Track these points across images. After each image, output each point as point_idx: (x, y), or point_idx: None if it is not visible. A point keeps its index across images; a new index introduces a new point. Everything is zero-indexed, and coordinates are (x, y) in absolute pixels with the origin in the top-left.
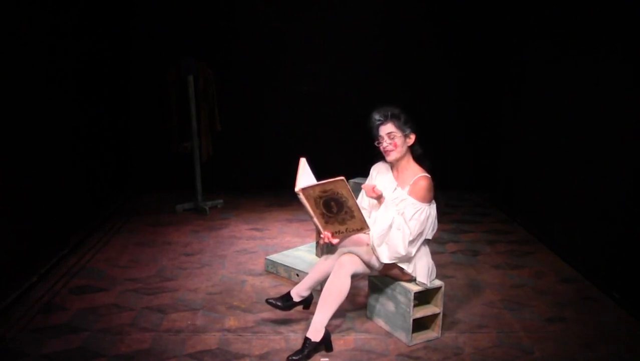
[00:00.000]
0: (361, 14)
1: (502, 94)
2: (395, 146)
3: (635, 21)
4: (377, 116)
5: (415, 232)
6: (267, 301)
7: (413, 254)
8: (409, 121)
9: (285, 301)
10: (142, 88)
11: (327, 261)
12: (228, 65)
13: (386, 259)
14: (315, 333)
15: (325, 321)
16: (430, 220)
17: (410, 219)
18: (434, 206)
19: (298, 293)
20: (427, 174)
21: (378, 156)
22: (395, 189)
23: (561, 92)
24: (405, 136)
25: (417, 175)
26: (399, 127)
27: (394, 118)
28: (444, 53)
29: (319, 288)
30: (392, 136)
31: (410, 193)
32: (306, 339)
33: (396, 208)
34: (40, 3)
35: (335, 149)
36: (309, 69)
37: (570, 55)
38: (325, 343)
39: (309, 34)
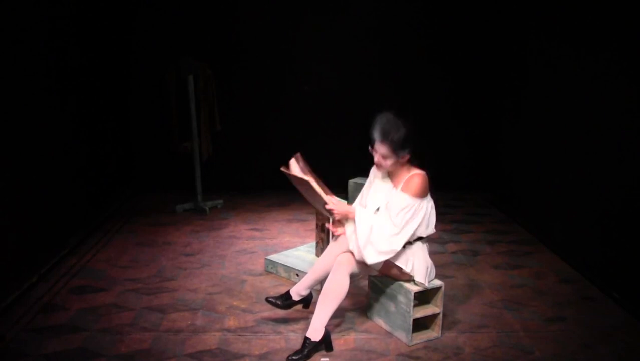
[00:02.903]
0: (363, 14)
1: (502, 94)
2: (386, 165)
3: (635, 22)
4: (376, 134)
5: (400, 224)
6: (266, 299)
7: (399, 248)
8: (408, 143)
9: (285, 300)
10: (142, 88)
11: (326, 260)
12: (228, 65)
13: (372, 259)
14: (315, 332)
15: (324, 321)
16: (422, 215)
17: (397, 214)
18: (429, 203)
19: (297, 292)
20: (421, 172)
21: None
22: (391, 190)
23: (561, 93)
24: (398, 158)
25: (411, 172)
26: (393, 152)
27: (391, 143)
28: (444, 53)
29: (318, 287)
30: (384, 157)
31: (403, 189)
32: (306, 339)
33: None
34: (41, 3)
35: (335, 148)
36: (310, 69)
37: (571, 56)
38: (325, 343)
39: (309, 34)
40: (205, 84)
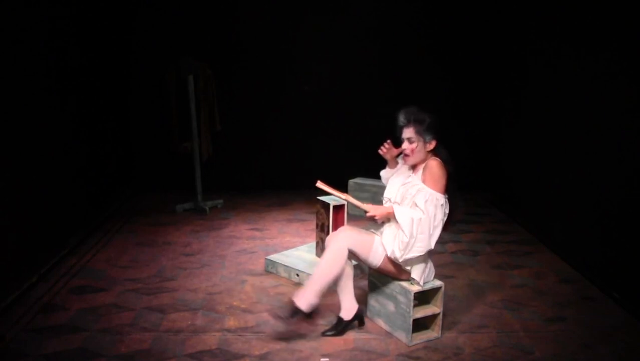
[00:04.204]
0: (363, 14)
1: (502, 94)
2: (412, 152)
3: (635, 22)
4: (401, 118)
5: (433, 218)
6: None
7: (432, 247)
8: (433, 127)
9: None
10: (142, 88)
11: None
12: (228, 65)
13: (412, 254)
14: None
15: (317, 293)
16: (444, 215)
17: (424, 205)
18: (447, 204)
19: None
20: (436, 158)
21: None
22: (410, 176)
23: (561, 93)
24: (426, 143)
25: (428, 159)
26: (418, 133)
27: (416, 123)
28: (444, 53)
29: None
30: (411, 141)
31: (425, 180)
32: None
33: (408, 191)
34: (41, 3)
35: (335, 148)
36: (310, 69)
37: (571, 56)
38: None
39: (309, 34)
40: (205, 84)
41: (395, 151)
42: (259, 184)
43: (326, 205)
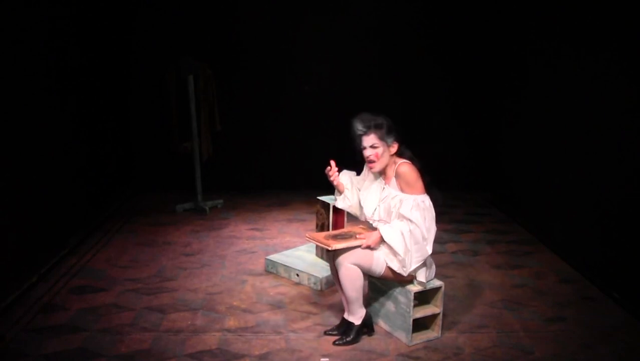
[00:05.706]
0: (363, 14)
1: (502, 94)
2: (377, 157)
3: (635, 22)
4: (359, 126)
5: (423, 223)
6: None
7: (430, 252)
8: (392, 129)
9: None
10: (142, 88)
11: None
12: (228, 65)
13: (414, 265)
14: (354, 317)
15: (356, 305)
16: (433, 215)
17: (410, 213)
18: (431, 206)
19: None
20: (405, 160)
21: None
22: (384, 188)
23: (561, 93)
24: (389, 146)
25: (396, 164)
26: (381, 139)
27: (377, 129)
28: (444, 53)
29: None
30: (375, 147)
31: (402, 189)
32: (349, 323)
33: (390, 205)
34: (41, 3)
35: (335, 149)
36: (310, 69)
37: (571, 56)
38: (367, 325)
39: (309, 34)
40: (205, 84)
41: (335, 171)
42: (259, 184)
43: (326, 205)
